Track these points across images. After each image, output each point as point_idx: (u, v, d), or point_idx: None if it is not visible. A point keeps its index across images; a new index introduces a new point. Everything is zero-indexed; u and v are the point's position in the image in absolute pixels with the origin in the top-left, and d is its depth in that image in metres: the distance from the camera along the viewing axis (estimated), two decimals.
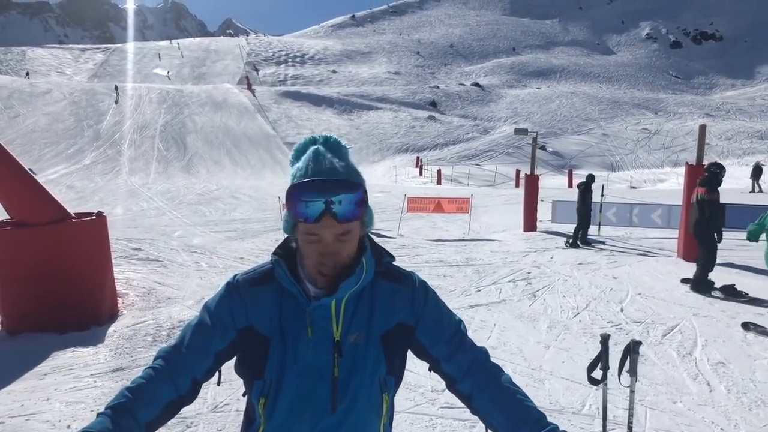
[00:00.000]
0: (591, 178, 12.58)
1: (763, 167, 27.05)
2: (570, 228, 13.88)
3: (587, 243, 12.02)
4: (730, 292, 7.14)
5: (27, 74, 66.27)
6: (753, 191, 24.55)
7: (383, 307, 1.34)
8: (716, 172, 7.69)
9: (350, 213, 1.22)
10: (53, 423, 3.63)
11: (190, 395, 1.31)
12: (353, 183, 1.23)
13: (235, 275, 1.37)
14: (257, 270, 1.37)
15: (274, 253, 1.34)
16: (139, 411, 1.19)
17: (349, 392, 1.28)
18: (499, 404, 1.30)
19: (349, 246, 1.26)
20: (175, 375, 1.27)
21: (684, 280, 8.00)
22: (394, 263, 1.42)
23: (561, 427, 1.22)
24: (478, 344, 1.43)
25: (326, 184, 1.20)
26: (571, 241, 11.95)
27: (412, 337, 1.38)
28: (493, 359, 1.43)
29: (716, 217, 7.55)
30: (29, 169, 6.33)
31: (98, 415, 1.16)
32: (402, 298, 1.36)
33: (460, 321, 1.44)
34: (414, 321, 1.37)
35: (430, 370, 1.44)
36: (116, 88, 51.71)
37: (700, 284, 7.39)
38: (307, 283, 1.29)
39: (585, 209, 12.14)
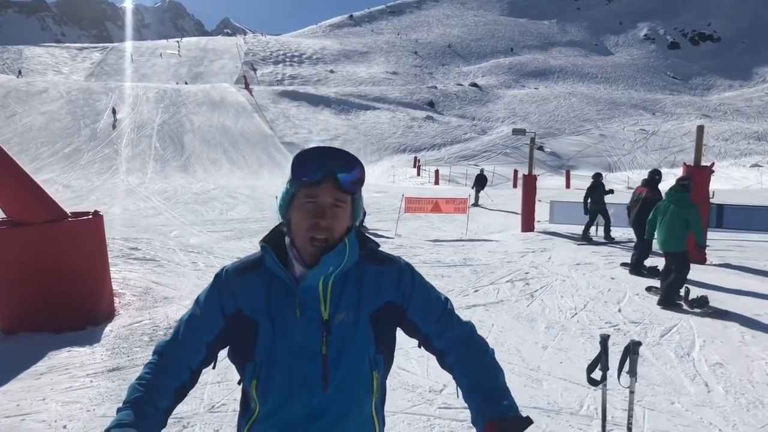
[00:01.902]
0: (596, 177, 12.67)
1: (487, 176, 23.32)
2: (568, 228, 13.90)
3: (611, 239, 12.18)
4: (654, 272, 8.49)
5: (20, 72, 64.75)
6: (476, 204, 20.45)
7: (371, 287, 1.40)
8: (656, 178, 9.29)
9: (350, 182, 1.33)
10: (49, 423, 3.60)
11: (191, 383, 1.38)
12: (356, 162, 1.35)
13: (224, 267, 1.45)
14: (245, 259, 1.46)
15: (262, 241, 1.42)
16: (157, 401, 1.28)
17: (340, 370, 1.33)
18: (470, 374, 1.41)
19: (340, 220, 1.35)
20: (174, 368, 1.34)
21: (623, 264, 9.26)
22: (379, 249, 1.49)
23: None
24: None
25: (333, 152, 1.33)
26: (588, 236, 12.31)
27: (403, 316, 1.44)
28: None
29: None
30: None
31: (118, 410, 1.23)
32: (388, 279, 1.43)
33: (447, 299, 1.52)
34: (403, 301, 1.43)
35: (419, 346, 1.51)
36: (114, 111, 44.43)
37: (635, 267, 8.74)
38: (295, 263, 1.37)
39: (592, 206, 12.28)
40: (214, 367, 1.45)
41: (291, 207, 1.37)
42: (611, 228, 12.50)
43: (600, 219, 12.59)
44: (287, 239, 1.41)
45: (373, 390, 1.39)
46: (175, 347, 1.37)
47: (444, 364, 1.48)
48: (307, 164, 1.31)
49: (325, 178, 1.30)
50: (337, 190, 1.32)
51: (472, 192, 21.59)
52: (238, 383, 1.43)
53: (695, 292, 6.87)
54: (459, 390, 1.43)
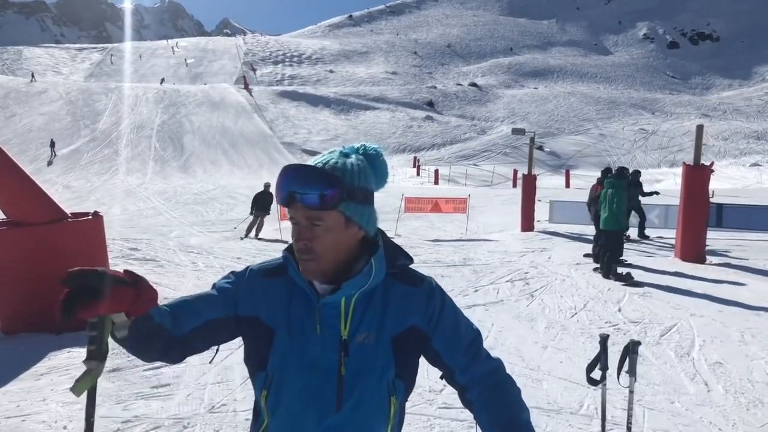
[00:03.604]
0: (635, 174, 12.69)
1: (272, 193, 19.27)
2: (568, 228, 13.91)
3: (645, 237, 12.24)
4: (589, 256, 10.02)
5: (33, 76, 60.67)
6: (254, 236, 14.31)
7: (396, 309, 1.33)
8: (608, 177, 9.71)
9: (311, 201, 1.22)
10: (49, 424, 3.60)
11: (182, 342, 1.26)
12: (316, 177, 1.24)
13: (248, 266, 1.40)
14: (271, 263, 1.39)
15: (285, 250, 1.35)
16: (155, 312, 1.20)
17: (355, 392, 1.27)
18: (491, 409, 1.31)
19: (321, 239, 1.26)
20: (175, 317, 1.25)
21: (586, 255, 10.19)
22: (410, 266, 1.40)
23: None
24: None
25: (292, 171, 1.25)
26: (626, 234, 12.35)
27: (427, 344, 1.36)
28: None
29: None
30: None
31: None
32: (416, 302, 1.35)
33: (478, 331, 1.43)
34: (428, 327, 1.35)
35: (442, 378, 1.42)
36: (52, 144, 35.06)
37: (608, 269, 9.21)
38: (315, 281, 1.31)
39: (628, 203, 12.29)
40: (210, 362, 1.40)
41: None
42: (645, 226, 12.50)
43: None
44: None
45: (389, 415, 1.32)
46: (180, 303, 1.30)
47: (464, 399, 1.39)
48: (277, 186, 1.26)
49: (290, 199, 1.24)
50: (306, 209, 1.24)
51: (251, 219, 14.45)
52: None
53: (696, 288, 6.89)
54: (477, 428, 1.34)
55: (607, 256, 8.45)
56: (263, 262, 1.41)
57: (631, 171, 13.05)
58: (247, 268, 1.38)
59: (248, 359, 1.36)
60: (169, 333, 1.23)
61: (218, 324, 1.31)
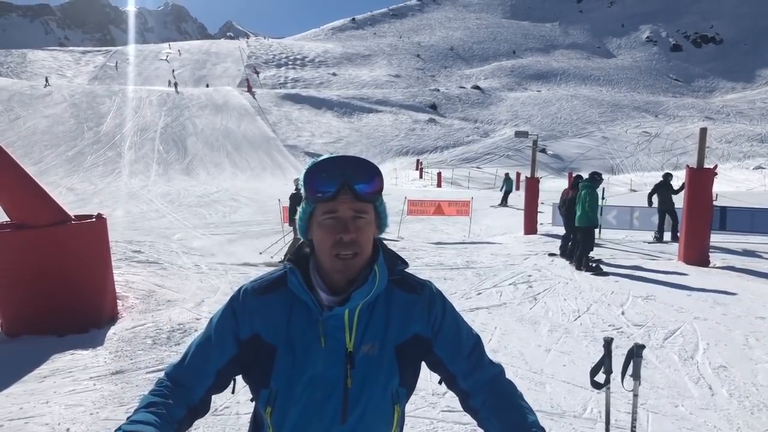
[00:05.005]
0: (666, 176, 12.71)
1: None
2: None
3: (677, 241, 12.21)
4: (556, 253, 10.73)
5: (47, 80, 58.05)
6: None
7: (399, 317, 1.31)
8: (578, 182, 10.21)
9: (367, 191, 1.24)
10: (52, 426, 3.60)
11: (201, 407, 1.31)
12: (372, 168, 1.26)
13: (242, 286, 1.36)
14: (267, 277, 1.35)
15: (288, 260, 1.33)
16: (170, 410, 1.21)
17: (360, 403, 1.25)
18: (500, 417, 1.29)
19: (365, 231, 1.25)
20: (182, 391, 1.27)
21: (551, 254, 10.82)
22: (408, 271, 1.39)
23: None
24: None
25: (345, 161, 1.24)
26: (658, 236, 12.51)
27: (429, 350, 1.35)
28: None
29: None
30: None
31: (128, 418, 1.16)
32: (418, 309, 1.33)
33: (478, 336, 1.42)
34: (431, 333, 1.34)
35: (440, 383, 1.41)
36: None
37: (580, 261, 9.60)
38: (320, 292, 1.28)
39: (659, 206, 12.36)
40: (233, 392, 1.37)
41: (311, 225, 1.28)
42: (678, 229, 12.49)
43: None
44: (311, 262, 1.32)
45: (393, 423, 1.32)
46: (182, 371, 1.30)
47: (467, 406, 1.38)
48: (319, 178, 1.22)
49: (340, 190, 1.21)
50: (355, 201, 1.22)
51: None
52: (251, 400, 1.36)
53: (700, 292, 6.87)
54: None
55: (579, 250, 9.29)
56: (256, 279, 1.37)
57: (662, 174, 13.11)
58: (241, 289, 1.35)
59: (249, 376, 1.33)
60: (187, 418, 1.26)
61: (228, 367, 1.31)
